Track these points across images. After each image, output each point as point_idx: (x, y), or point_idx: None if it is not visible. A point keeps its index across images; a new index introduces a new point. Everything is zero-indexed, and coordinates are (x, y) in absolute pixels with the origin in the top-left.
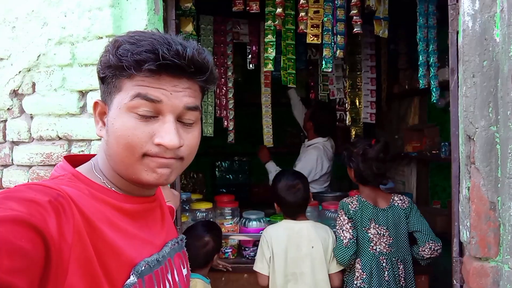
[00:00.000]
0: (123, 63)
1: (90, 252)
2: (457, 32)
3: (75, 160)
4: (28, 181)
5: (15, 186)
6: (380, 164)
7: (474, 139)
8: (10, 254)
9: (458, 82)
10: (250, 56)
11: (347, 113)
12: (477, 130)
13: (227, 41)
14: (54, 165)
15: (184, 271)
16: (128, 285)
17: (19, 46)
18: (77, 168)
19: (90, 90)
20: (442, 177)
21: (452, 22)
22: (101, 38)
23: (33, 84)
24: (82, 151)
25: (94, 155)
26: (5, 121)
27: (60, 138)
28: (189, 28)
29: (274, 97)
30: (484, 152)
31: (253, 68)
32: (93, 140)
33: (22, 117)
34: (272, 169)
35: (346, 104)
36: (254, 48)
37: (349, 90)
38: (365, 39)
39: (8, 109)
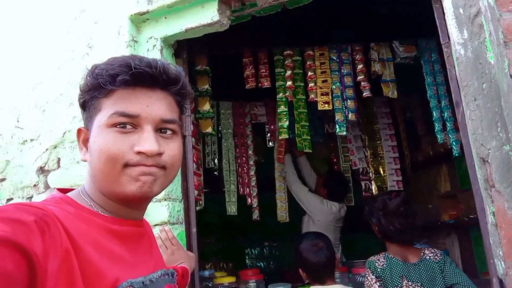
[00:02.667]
0: (99, 80)
1: (76, 272)
2: (454, 67)
3: (67, 191)
4: None
5: (2, 206)
6: (401, 219)
7: (489, 160)
8: (2, 276)
9: (464, 114)
10: (269, 134)
11: (372, 182)
12: (489, 151)
13: (246, 122)
14: None
15: None
16: None
17: (48, 127)
18: (66, 194)
19: None
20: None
21: (448, 59)
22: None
23: (58, 160)
24: None
25: None
26: (31, 197)
27: None
28: (207, 106)
29: None
30: (501, 173)
31: (273, 145)
32: None
33: (47, 193)
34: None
35: (370, 173)
36: (272, 127)
37: (371, 159)
38: (380, 109)
39: (34, 185)
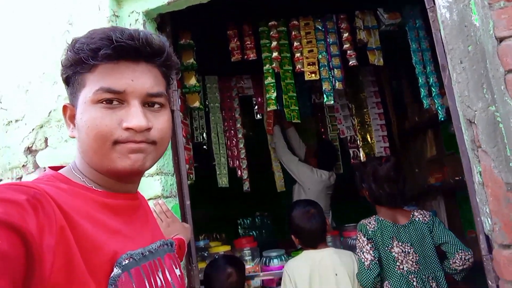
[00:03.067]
0: (80, 55)
1: (73, 248)
2: (439, 31)
3: (59, 169)
4: None
5: None
6: (391, 184)
7: (475, 122)
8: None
9: (450, 77)
10: (256, 107)
11: (360, 149)
12: (476, 112)
13: (233, 95)
14: None
15: (177, 271)
16: (113, 278)
17: (32, 106)
18: (57, 171)
19: None
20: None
21: (433, 23)
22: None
23: (46, 139)
24: None
25: None
26: (21, 178)
27: None
28: (193, 81)
29: None
30: (488, 133)
31: (261, 117)
32: None
33: (36, 172)
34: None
35: (358, 141)
36: (259, 100)
37: (358, 127)
38: (366, 78)
39: (23, 165)
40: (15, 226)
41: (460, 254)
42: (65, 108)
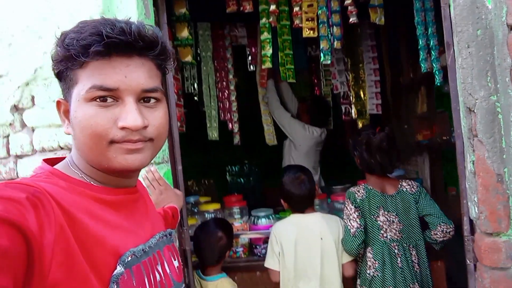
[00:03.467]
0: (70, 51)
1: (73, 245)
2: (449, 6)
3: (54, 162)
4: None
5: None
6: (383, 154)
7: (475, 110)
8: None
9: (454, 56)
10: (250, 57)
11: (353, 106)
12: (477, 101)
13: (225, 45)
14: None
15: (176, 263)
16: (116, 276)
17: (17, 62)
18: (54, 166)
19: None
20: (454, 162)
21: None
22: None
23: (32, 98)
24: None
25: None
26: (8, 136)
27: (61, 148)
28: (185, 33)
29: None
30: (486, 123)
31: (254, 69)
32: None
33: (24, 131)
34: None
35: (351, 97)
36: (253, 50)
37: (352, 83)
38: (364, 31)
39: (10, 124)
40: (15, 223)
41: (442, 226)
42: (58, 103)
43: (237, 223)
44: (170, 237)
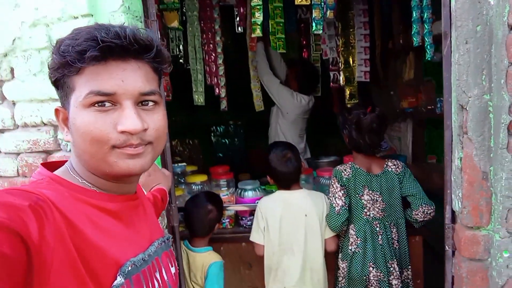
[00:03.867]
0: (66, 58)
1: (73, 255)
2: None
3: (52, 166)
4: (17, 169)
5: None
6: (372, 135)
7: (467, 108)
8: (1, 260)
9: (451, 47)
10: (238, 19)
11: (341, 72)
12: (470, 99)
13: (213, 4)
14: (42, 152)
15: (173, 270)
16: (116, 286)
17: None
18: (54, 172)
19: None
20: (437, 132)
21: None
22: (77, 18)
23: (12, 70)
24: None
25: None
26: None
27: (45, 124)
28: None
29: None
30: (477, 122)
31: (242, 31)
32: None
33: (5, 104)
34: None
35: (340, 64)
36: (241, 11)
37: (342, 48)
38: None
39: None
40: (17, 231)
41: (424, 207)
42: (57, 111)
43: (224, 195)
44: (168, 242)
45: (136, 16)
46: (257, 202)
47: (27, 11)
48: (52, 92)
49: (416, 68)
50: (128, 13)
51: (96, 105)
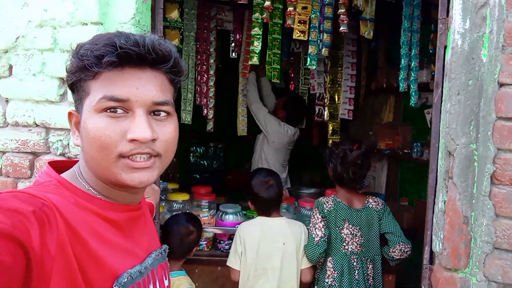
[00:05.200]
0: (84, 62)
1: (73, 264)
2: (445, 47)
3: (59, 166)
4: (1, 168)
5: (0, 193)
6: (357, 170)
7: (454, 155)
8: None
9: (442, 96)
10: (233, 44)
11: (326, 108)
12: (457, 146)
13: (210, 27)
14: (29, 153)
15: (166, 282)
16: None
17: None
18: (62, 175)
19: None
20: (411, 175)
21: (440, 36)
22: (86, 24)
23: (10, 67)
24: (60, 140)
25: (76, 161)
26: None
27: (37, 125)
28: (175, 14)
29: None
30: (462, 168)
31: (236, 56)
32: None
33: None
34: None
35: (326, 100)
36: (237, 37)
37: (329, 85)
38: (348, 35)
39: None
40: (19, 239)
41: (401, 246)
42: (70, 114)
43: (204, 216)
44: (164, 254)
45: (144, 30)
46: (237, 227)
47: (35, 11)
48: (49, 94)
49: (395, 111)
50: (137, 26)
51: (108, 110)
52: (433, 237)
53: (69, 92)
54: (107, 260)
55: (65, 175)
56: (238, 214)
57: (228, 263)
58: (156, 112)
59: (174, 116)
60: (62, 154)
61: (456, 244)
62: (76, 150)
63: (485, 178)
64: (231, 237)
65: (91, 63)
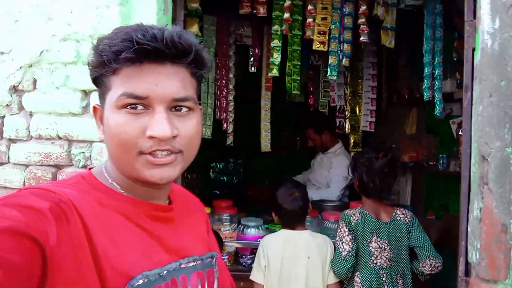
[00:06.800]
0: (103, 57)
1: (88, 260)
2: (473, 49)
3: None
4: (24, 181)
5: (19, 190)
6: (383, 178)
7: (489, 159)
8: (7, 269)
9: (472, 100)
10: (252, 59)
11: (347, 120)
12: (492, 150)
13: (229, 42)
14: (52, 166)
15: None
16: None
17: (21, 41)
18: (91, 170)
19: (94, 90)
20: (437, 188)
21: (468, 39)
22: None
23: (34, 81)
24: (82, 152)
25: None
26: (3, 117)
27: (60, 138)
28: (195, 28)
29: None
30: (498, 174)
31: (255, 71)
32: (95, 141)
33: (21, 114)
34: None
35: (346, 112)
36: (256, 51)
37: (350, 97)
38: (368, 47)
39: (7, 105)
40: (34, 236)
41: (431, 260)
42: (95, 109)
43: (226, 230)
44: (208, 262)
45: None
46: (259, 240)
47: (59, 25)
48: (72, 106)
49: (418, 123)
50: None
51: (129, 107)
52: (469, 247)
53: (91, 104)
54: (121, 260)
55: (93, 170)
56: (260, 228)
57: (251, 277)
58: (177, 108)
59: (196, 111)
60: (84, 166)
61: (494, 254)
62: (98, 162)
63: None
64: (253, 251)
65: (110, 59)
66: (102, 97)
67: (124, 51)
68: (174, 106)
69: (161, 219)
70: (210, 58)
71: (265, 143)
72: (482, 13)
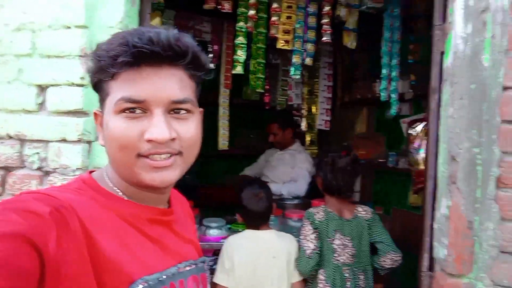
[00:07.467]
0: (101, 63)
1: (87, 267)
2: (442, 53)
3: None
4: None
5: (19, 194)
6: (346, 177)
7: (458, 159)
8: (7, 274)
9: (439, 102)
10: (211, 55)
11: (304, 119)
12: (460, 151)
13: None
14: (1, 168)
15: None
16: None
17: None
18: (92, 174)
19: (52, 85)
20: (386, 184)
21: (437, 42)
22: (69, 28)
23: None
24: (37, 153)
25: None
26: None
27: (10, 137)
28: (156, 21)
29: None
30: (466, 173)
31: (214, 68)
32: (52, 141)
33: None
34: None
35: (303, 110)
36: (215, 48)
37: (307, 96)
38: (325, 47)
39: None
40: (34, 241)
41: (392, 255)
42: (95, 115)
43: None
44: (202, 266)
45: None
46: (222, 241)
47: (13, 14)
48: (26, 103)
49: (369, 122)
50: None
51: (127, 111)
52: (435, 243)
53: (48, 100)
54: (123, 264)
55: (94, 173)
56: (223, 229)
57: (215, 280)
58: (176, 110)
59: (195, 113)
60: (39, 169)
61: (461, 249)
62: (55, 163)
63: (490, 181)
64: (216, 252)
65: (107, 64)
66: (102, 102)
67: (121, 55)
68: (173, 108)
69: (162, 223)
70: (207, 59)
71: (223, 141)
72: (455, 18)
